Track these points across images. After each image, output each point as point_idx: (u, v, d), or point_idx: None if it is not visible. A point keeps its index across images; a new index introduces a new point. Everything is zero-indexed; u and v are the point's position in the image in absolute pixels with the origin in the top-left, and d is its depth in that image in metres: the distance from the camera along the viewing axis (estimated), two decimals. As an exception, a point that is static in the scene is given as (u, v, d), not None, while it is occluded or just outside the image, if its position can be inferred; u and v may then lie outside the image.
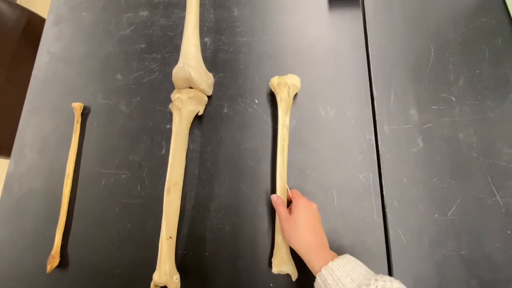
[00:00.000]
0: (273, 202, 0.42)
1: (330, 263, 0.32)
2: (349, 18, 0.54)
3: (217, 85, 0.52)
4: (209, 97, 0.51)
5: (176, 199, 0.43)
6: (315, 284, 0.33)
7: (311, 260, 0.34)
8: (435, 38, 0.53)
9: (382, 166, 0.47)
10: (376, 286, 0.28)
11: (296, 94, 0.50)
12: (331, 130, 0.49)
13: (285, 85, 0.47)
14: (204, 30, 0.55)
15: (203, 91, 0.48)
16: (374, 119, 0.49)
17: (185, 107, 0.46)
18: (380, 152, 0.47)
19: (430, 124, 0.48)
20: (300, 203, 0.39)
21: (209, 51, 0.54)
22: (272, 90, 0.49)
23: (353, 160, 0.47)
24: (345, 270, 0.30)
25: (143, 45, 0.56)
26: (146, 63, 0.54)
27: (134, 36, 0.56)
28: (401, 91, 0.50)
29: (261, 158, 0.48)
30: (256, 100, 0.51)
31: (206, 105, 0.50)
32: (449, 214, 0.44)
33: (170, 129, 0.47)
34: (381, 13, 0.55)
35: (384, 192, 0.45)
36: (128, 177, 0.48)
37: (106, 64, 0.55)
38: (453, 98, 0.49)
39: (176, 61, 0.48)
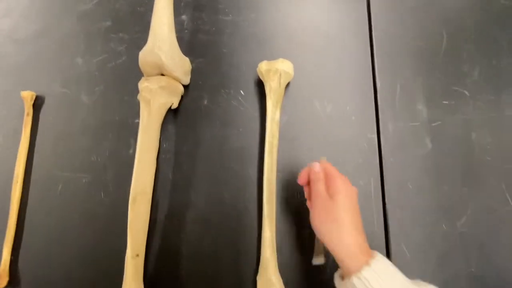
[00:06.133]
0: (312, 173, 0.32)
1: (365, 271, 0.26)
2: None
3: (195, 73, 0.44)
4: (185, 86, 0.43)
5: (143, 211, 0.36)
6: (338, 284, 0.29)
7: (345, 261, 0.28)
8: (448, 22, 0.46)
9: (384, 170, 0.41)
10: None
11: (288, 84, 0.43)
12: (327, 127, 0.42)
13: (276, 72, 0.40)
14: (181, 5, 0.47)
15: (177, 79, 0.41)
16: (377, 115, 0.43)
17: (155, 99, 0.38)
18: (383, 154, 0.41)
19: (440, 122, 0.42)
20: (339, 183, 0.30)
21: (186, 31, 0.46)
22: (260, 77, 0.42)
23: (353, 163, 0.41)
24: (384, 280, 0.25)
25: (108, 23, 0.47)
26: (111, 44, 0.46)
27: (97, 12, 0.47)
28: (408, 83, 0.44)
29: (247, 161, 0.41)
30: (241, 91, 0.44)
31: (182, 96, 0.43)
32: (458, 226, 0.39)
33: (140, 125, 0.39)
34: (388, -10, 0.47)
35: (386, 200, 0.40)
36: (89, 181, 0.41)
37: (64, 46, 0.46)
38: (466, 92, 0.43)
39: (147, 41, 0.40)
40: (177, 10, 0.46)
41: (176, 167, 0.41)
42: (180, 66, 0.40)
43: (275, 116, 0.39)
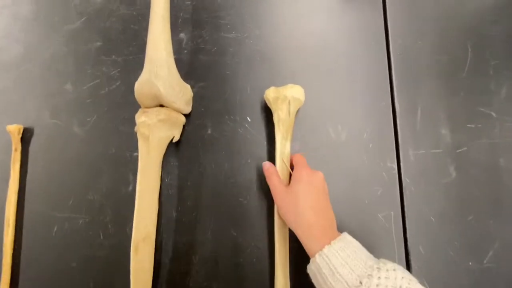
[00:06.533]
0: (264, 171, 0.35)
1: (325, 248, 0.27)
2: (366, 8, 0.42)
3: (197, 99, 0.40)
4: (186, 115, 0.39)
5: (147, 259, 0.33)
6: (308, 270, 0.29)
7: (309, 245, 0.29)
8: (473, 33, 0.42)
9: (405, 203, 0.38)
10: (379, 277, 0.24)
11: (298, 109, 0.39)
12: (342, 156, 0.39)
13: (284, 100, 0.36)
14: (178, 22, 0.42)
15: (178, 110, 0.37)
16: (396, 142, 0.39)
17: (154, 134, 0.35)
18: (404, 185, 0.38)
19: (465, 148, 0.39)
20: (302, 174, 0.32)
21: (185, 51, 0.42)
22: (268, 105, 0.38)
23: (371, 195, 0.38)
24: (343, 257, 0.26)
25: (98, 44, 0.43)
26: (103, 68, 0.42)
27: (86, 31, 0.43)
28: (430, 105, 0.40)
29: (257, 194, 0.38)
30: (248, 118, 0.40)
31: (184, 126, 0.39)
32: (485, 261, 0.36)
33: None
34: (405, 1, 0.43)
35: (408, 236, 0.37)
36: (87, 222, 0.38)
37: (51, 70, 0.42)
38: (493, 114, 0.40)
39: (143, 65, 0.36)
40: (175, 28, 0.42)
41: (180, 203, 0.38)
42: (181, 95, 0.36)
43: (285, 150, 0.36)
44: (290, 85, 0.37)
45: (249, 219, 0.38)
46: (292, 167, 0.35)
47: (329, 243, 0.27)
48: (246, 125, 0.40)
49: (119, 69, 0.42)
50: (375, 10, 0.42)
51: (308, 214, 0.30)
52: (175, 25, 0.42)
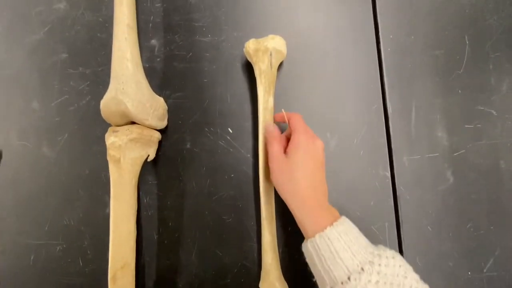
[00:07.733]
0: (266, 133, 0.32)
1: (327, 230, 0.25)
2: (354, 0, 0.39)
3: (173, 111, 0.37)
4: (163, 129, 0.37)
5: (127, 287, 0.32)
6: (303, 248, 0.28)
7: (304, 221, 0.28)
8: (472, 23, 0.38)
9: (400, 213, 0.36)
10: (380, 265, 0.24)
11: (281, 63, 0.37)
12: (332, 166, 0.36)
13: (265, 52, 0.34)
14: (148, 27, 0.39)
15: (151, 127, 0.34)
16: (389, 148, 0.37)
17: (125, 156, 0.32)
18: (398, 193, 0.36)
19: (463, 151, 0.36)
20: (301, 139, 0.29)
21: (158, 59, 0.38)
22: (248, 59, 0.36)
23: (363, 206, 0.36)
24: (345, 241, 0.25)
25: (64, 55, 0.39)
26: (71, 82, 0.39)
27: (50, 41, 0.40)
28: (424, 105, 0.37)
29: (242, 211, 0.36)
30: (229, 129, 0.37)
31: (160, 141, 0.37)
32: (485, 270, 0.34)
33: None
34: (397, -11, 0.39)
35: (403, 248, 0.35)
36: (65, 249, 0.36)
37: (15, 87, 0.39)
38: (494, 112, 0.37)
39: (113, 77, 0.33)
40: (145, 34, 0.38)
41: (161, 224, 0.36)
42: (153, 111, 0.33)
43: (268, 105, 0.34)
44: (271, 36, 0.34)
45: (235, 238, 0.35)
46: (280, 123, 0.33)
47: (331, 224, 0.26)
48: (228, 137, 0.37)
49: (88, 83, 0.38)
50: (364, 2, 0.38)
51: (305, 189, 0.28)
52: (145, 31, 0.39)
